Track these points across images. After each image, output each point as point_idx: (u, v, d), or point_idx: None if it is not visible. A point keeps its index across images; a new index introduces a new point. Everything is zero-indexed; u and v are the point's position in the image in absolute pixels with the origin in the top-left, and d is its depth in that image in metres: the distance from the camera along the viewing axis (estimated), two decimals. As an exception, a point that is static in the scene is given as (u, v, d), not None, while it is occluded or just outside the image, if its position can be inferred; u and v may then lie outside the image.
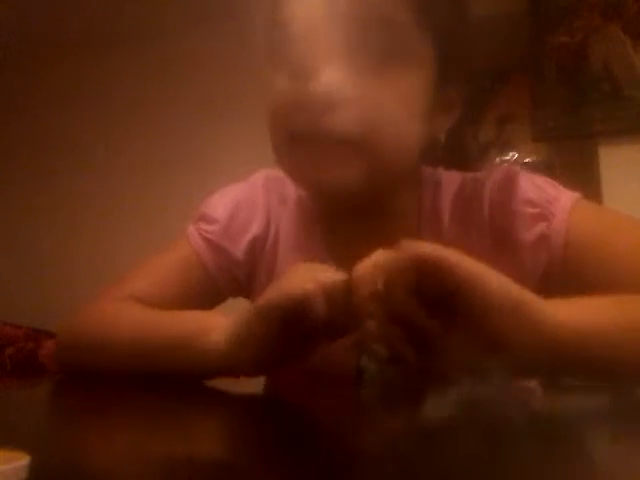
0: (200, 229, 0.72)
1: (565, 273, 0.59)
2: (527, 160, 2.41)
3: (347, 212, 0.66)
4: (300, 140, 0.56)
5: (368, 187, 0.57)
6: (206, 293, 0.72)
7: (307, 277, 0.49)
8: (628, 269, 0.56)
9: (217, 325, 0.55)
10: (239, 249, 0.71)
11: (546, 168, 2.29)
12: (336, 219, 0.69)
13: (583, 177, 1.90)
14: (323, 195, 0.64)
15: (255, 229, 0.72)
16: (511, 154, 2.44)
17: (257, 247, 0.72)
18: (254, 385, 0.57)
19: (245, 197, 0.74)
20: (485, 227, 0.62)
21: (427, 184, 0.67)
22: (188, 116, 2.53)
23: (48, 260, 2.64)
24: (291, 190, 0.74)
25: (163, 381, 0.55)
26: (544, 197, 0.60)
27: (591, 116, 1.87)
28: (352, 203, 0.62)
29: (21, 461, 0.23)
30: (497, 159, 2.45)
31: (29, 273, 2.66)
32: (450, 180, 0.67)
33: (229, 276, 0.72)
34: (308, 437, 0.37)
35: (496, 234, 0.61)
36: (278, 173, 0.75)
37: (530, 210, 0.60)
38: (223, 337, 0.53)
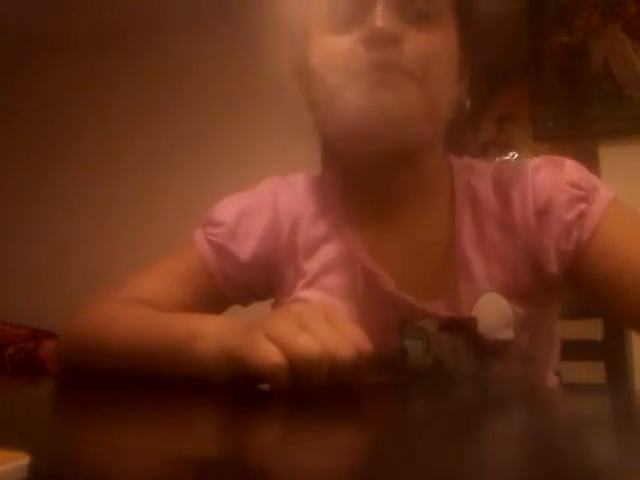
0: (207, 233, 0.73)
1: (587, 260, 0.62)
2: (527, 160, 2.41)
3: (386, 170, 0.66)
4: (366, 74, 0.60)
5: (422, 121, 0.61)
6: (209, 298, 0.71)
7: (286, 340, 0.46)
8: None
9: (205, 332, 0.54)
10: (245, 252, 0.71)
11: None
12: (362, 203, 0.70)
13: (583, 177, 1.90)
14: (384, 128, 0.61)
15: (261, 232, 0.72)
16: (511, 154, 2.43)
17: (266, 250, 0.71)
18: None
19: (251, 203, 0.74)
20: (529, 207, 0.65)
21: (458, 170, 0.70)
22: (187, 116, 2.53)
23: (48, 260, 2.64)
24: (300, 187, 0.74)
25: (163, 381, 0.55)
26: (590, 183, 0.64)
27: (591, 116, 1.87)
28: (403, 142, 0.63)
29: (21, 461, 0.23)
30: (497, 159, 2.45)
31: (29, 273, 2.66)
32: (483, 166, 0.71)
33: (235, 282, 0.72)
34: (311, 434, 0.37)
35: (539, 213, 0.64)
36: (283, 178, 0.76)
37: (575, 191, 0.64)
38: (210, 347, 0.52)
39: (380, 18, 0.60)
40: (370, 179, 0.68)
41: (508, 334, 0.63)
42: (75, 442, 0.36)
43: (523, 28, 1.99)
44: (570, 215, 0.62)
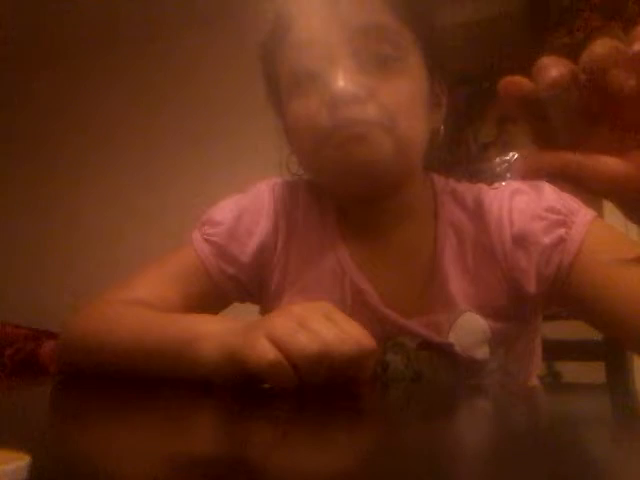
0: (204, 233, 0.73)
1: (570, 282, 0.63)
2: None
3: (370, 202, 0.69)
4: (338, 132, 0.61)
5: (396, 164, 0.63)
6: (209, 298, 0.72)
7: (283, 339, 0.46)
8: (629, 298, 0.59)
9: (208, 334, 0.54)
10: (245, 252, 0.72)
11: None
12: (353, 221, 0.72)
13: (583, 177, 1.90)
14: (360, 177, 0.64)
15: (262, 233, 0.72)
16: (511, 154, 2.43)
17: (266, 251, 0.72)
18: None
19: (250, 203, 0.75)
20: (505, 232, 0.66)
21: (442, 192, 0.72)
22: (187, 116, 2.53)
23: (48, 261, 2.64)
24: (299, 193, 0.75)
25: (163, 381, 0.55)
26: (567, 207, 0.65)
27: (591, 116, 1.87)
28: (381, 184, 0.65)
29: (22, 461, 0.23)
30: (497, 159, 2.45)
31: (29, 274, 2.66)
32: (465, 189, 0.72)
33: (234, 281, 0.72)
34: (311, 433, 0.37)
35: (516, 237, 0.65)
36: (282, 180, 0.77)
37: (553, 216, 0.65)
38: (211, 348, 0.53)
39: (341, 78, 0.60)
40: (355, 207, 0.71)
41: (484, 353, 0.65)
42: (75, 442, 0.36)
43: (524, 29, 1.99)
44: (549, 240, 0.64)
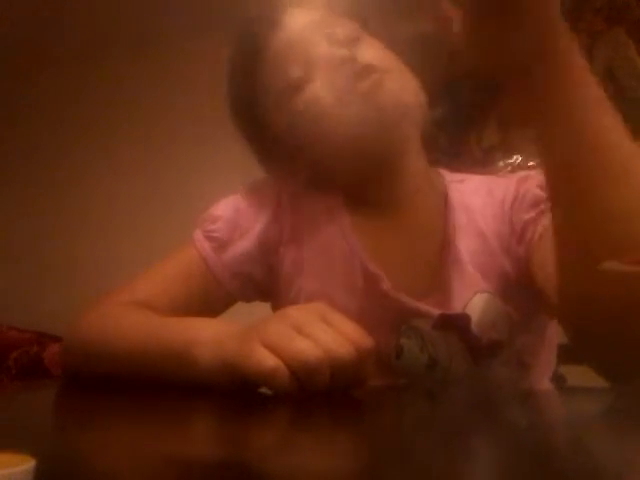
0: (205, 230, 0.73)
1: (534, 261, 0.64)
2: (531, 163, 2.41)
3: (381, 171, 0.70)
4: (360, 81, 0.66)
5: (408, 113, 0.67)
6: (212, 298, 0.71)
7: (281, 345, 0.46)
8: None
9: (202, 339, 0.54)
10: (248, 240, 0.72)
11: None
12: (361, 206, 0.72)
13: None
14: (384, 124, 0.66)
15: (264, 221, 0.72)
16: (515, 157, 2.43)
17: (269, 239, 0.72)
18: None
19: (250, 196, 0.75)
20: (506, 217, 0.68)
21: (450, 182, 0.74)
22: (188, 120, 2.54)
23: (52, 264, 2.64)
24: (302, 185, 0.75)
25: (165, 385, 0.55)
26: None
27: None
28: (390, 149, 0.69)
29: (26, 464, 0.23)
30: (501, 162, 2.45)
31: (33, 277, 2.66)
32: (474, 180, 0.75)
33: (238, 277, 0.72)
34: (310, 437, 0.37)
35: (512, 221, 0.68)
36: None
37: (540, 193, 0.66)
38: (206, 354, 0.53)
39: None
40: (360, 189, 0.72)
41: (500, 334, 0.64)
42: (80, 445, 0.36)
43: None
44: (529, 215, 0.66)
